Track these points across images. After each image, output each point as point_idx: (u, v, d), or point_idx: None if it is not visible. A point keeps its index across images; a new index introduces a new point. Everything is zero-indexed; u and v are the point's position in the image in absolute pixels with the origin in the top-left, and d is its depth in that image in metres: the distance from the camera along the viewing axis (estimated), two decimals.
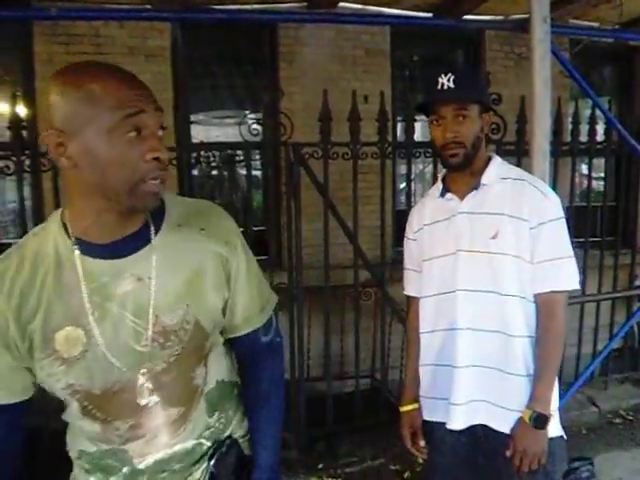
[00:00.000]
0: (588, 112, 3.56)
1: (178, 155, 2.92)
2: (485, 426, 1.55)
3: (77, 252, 0.95)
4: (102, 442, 1.04)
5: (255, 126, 2.83)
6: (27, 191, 3.17)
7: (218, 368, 1.12)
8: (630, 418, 3.45)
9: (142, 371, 1.00)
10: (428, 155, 3.15)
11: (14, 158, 2.50)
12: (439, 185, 1.66)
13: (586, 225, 3.46)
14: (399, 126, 5.01)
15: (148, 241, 0.99)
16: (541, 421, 1.45)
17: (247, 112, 4.95)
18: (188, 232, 1.03)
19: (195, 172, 5.09)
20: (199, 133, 4.95)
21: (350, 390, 3.32)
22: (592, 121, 3.33)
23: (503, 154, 3.05)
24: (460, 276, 1.54)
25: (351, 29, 4.86)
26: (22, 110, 4.11)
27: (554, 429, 1.52)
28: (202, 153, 3.85)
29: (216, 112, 5.13)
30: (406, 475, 2.83)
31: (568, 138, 3.35)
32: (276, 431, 1.19)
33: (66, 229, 0.97)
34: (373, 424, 3.16)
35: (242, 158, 2.95)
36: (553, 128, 2.91)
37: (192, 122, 4.86)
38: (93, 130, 0.87)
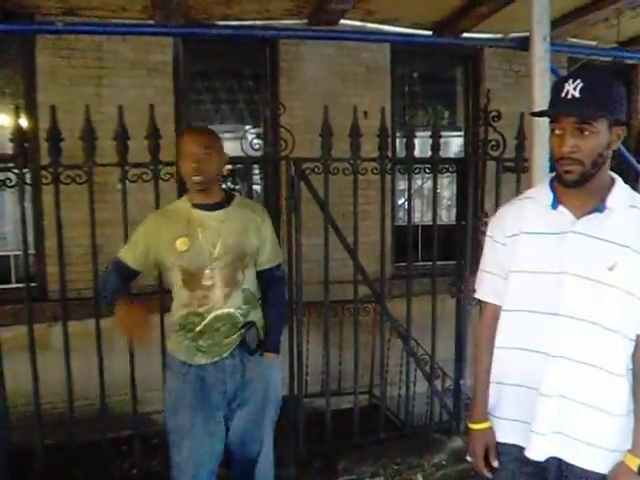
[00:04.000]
0: None
1: (179, 169, 2.92)
2: (559, 460, 1.46)
3: (192, 208, 2.00)
4: (187, 307, 1.97)
5: (256, 140, 2.84)
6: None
7: (250, 280, 2.05)
8: None
9: (212, 265, 1.95)
10: (428, 171, 3.16)
11: (16, 170, 2.50)
12: (548, 193, 1.48)
13: None
14: (398, 142, 5.04)
15: (223, 207, 2.02)
16: None
17: (248, 127, 4.97)
18: (245, 209, 2.08)
19: None
20: None
21: (348, 406, 3.30)
22: None
23: (503, 170, 3.09)
24: (565, 301, 1.42)
25: (351, 46, 4.90)
26: (24, 122, 4.13)
27: None
28: None
29: (217, 126, 5.15)
30: None
31: None
32: (280, 322, 2.19)
33: (187, 199, 2.04)
34: (372, 441, 3.13)
35: (243, 172, 2.95)
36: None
37: None
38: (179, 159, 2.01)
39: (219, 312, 1.96)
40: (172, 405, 2.02)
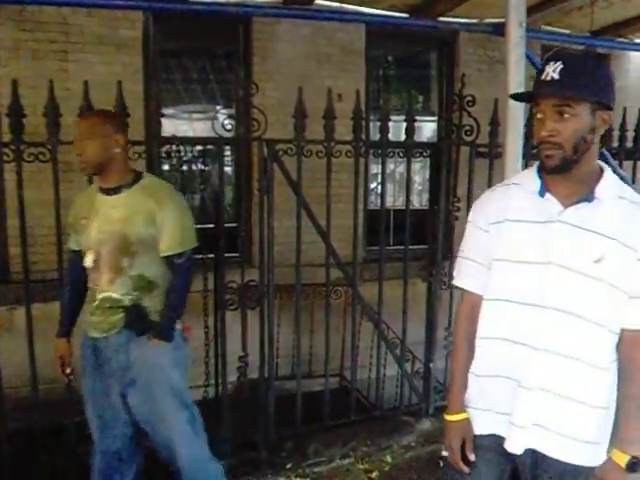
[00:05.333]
0: None
1: (147, 148, 2.85)
2: (534, 451, 1.43)
3: (97, 191, 2.11)
4: (91, 282, 2.11)
5: (227, 121, 2.78)
6: None
7: (145, 268, 2.07)
8: None
9: (97, 249, 2.05)
10: (401, 155, 3.15)
11: None
12: (535, 179, 1.42)
13: None
14: (372, 125, 5.02)
15: (119, 192, 2.07)
16: (637, 466, 1.35)
17: (219, 107, 4.89)
18: (140, 195, 2.06)
19: (166, 167, 5.01)
20: (170, 127, 4.86)
21: (318, 389, 3.31)
22: None
23: (476, 156, 3.10)
24: (550, 292, 1.37)
25: (327, 27, 4.84)
26: None
27: None
28: (173, 147, 3.76)
29: (188, 106, 5.05)
30: (374, 475, 2.82)
31: None
32: (172, 310, 2.14)
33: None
34: (342, 423, 3.14)
35: (214, 153, 2.89)
36: (525, 131, 2.94)
37: (163, 115, 4.77)
38: None
39: (105, 295, 2.08)
40: (80, 369, 2.23)
